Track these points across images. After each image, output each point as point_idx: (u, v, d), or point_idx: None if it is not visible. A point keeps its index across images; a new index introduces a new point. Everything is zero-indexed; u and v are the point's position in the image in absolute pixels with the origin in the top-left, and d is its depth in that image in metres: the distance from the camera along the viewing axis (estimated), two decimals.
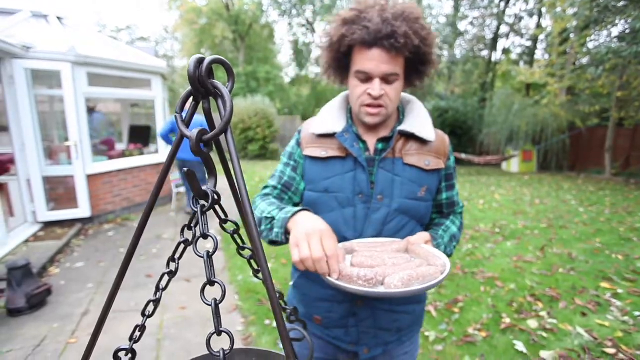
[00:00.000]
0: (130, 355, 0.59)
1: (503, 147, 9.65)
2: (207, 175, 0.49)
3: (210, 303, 0.42)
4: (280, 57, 21.99)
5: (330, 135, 0.92)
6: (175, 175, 5.21)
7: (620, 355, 2.03)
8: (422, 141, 0.91)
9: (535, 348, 2.09)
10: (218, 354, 0.42)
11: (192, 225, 0.48)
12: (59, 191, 4.45)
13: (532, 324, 2.32)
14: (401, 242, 0.83)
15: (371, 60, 0.80)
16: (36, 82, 4.17)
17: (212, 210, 0.46)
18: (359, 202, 0.88)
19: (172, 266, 0.52)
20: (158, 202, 5.44)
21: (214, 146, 0.46)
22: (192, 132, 0.42)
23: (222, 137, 0.43)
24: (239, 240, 0.55)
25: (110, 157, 4.98)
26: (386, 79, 0.82)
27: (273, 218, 0.83)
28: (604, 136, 8.39)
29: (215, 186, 0.47)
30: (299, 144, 0.98)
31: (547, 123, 8.95)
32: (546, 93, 9.25)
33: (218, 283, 0.43)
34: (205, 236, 0.44)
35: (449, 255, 0.89)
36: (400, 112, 0.96)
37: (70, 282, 3.06)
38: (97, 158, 4.72)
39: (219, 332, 0.42)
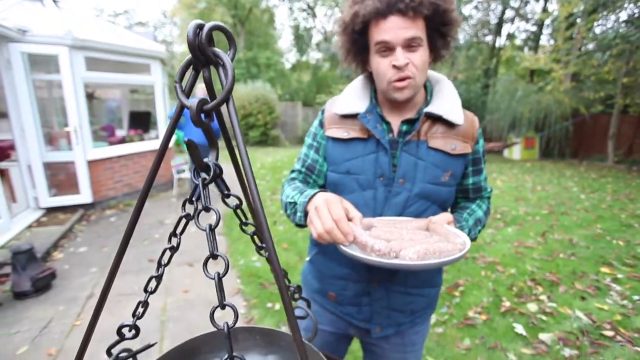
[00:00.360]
0: (134, 331, 0.59)
1: (505, 134, 9.58)
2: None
3: (213, 277, 0.42)
4: (280, 43, 21.65)
5: (353, 116, 0.89)
6: (175, 161, 5.20)
7: (619, 338, 2.05)
8: (449, 124, 0.86)
9: (534, 330, 2.12)
10: (222, 328, 0.41)
11: (193, 198, 0.47)
12: (60, 177, 4.44)
13: (532, 307, 2.35)
14: (422, 220, 0.82)
15: (389, 28, 0.76)
16: (34, 67, 4.12)
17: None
18: (379, 185, 0.86)
19: (174, 241, 0.52)
20: (159, 188, 5.45)
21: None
22: (192, 102, 0.41)
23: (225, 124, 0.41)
24: (241, 216, 0.54)
25: (111, 143, 4.96)
26: (409, 46, 0.77)
27: (295, 203, 0.84)
28: (608, 123, 8.30)
29: (217, 159, 0.46)
30: (322, 124, 0.96)
31: (550, 110, 8.84)
32: (550, 79, 9.10)
33: (221, 257, 0.43)
34: (207, 209, 0.44)
35: (473, 239, 0.87)
36: (428, 92, 0.91)
37: (74, 266, 3.09)
38: (97, 144, 4.71)
39: (222, 306, 0.42)
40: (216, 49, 0.42)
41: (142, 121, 5.84)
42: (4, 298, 2.60)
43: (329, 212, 0.70)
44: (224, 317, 0.38)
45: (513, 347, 1.99)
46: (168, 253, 0.52)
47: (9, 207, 3.69)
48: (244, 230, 0.57)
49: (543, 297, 2.47)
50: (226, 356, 0.41)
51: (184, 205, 0.49)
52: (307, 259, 1.07)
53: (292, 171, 1.00)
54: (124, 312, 2.37)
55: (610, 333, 2.09)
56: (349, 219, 0.73)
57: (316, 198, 0.78)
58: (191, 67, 0.43)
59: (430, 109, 0.85)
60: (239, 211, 0.53)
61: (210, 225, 0.42)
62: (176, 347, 0.67)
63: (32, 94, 3.99)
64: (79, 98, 4.26)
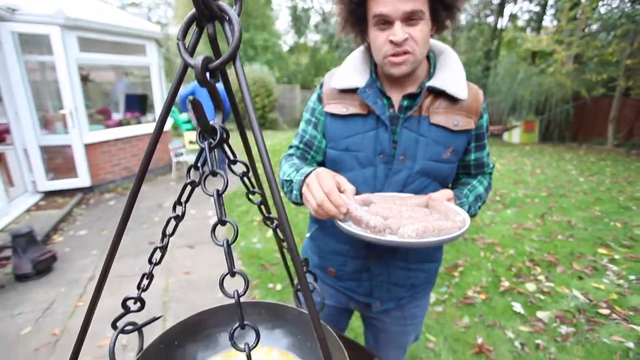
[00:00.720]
0: (139, 304, 0.58)
1: (505, 117, 9.51)
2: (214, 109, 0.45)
3: (222, 244, 0.40)
4: (278, 24, 21.14)
5: (353, 90, 0.85)
6: (173, 144, 5.15)
7: (614, 316, 2.09)
8: (452, 99, 0.82)
9: (532, 309, 2.15)
10: (232, 296, 0.40)
11: (198, 164, 0.45)
12: (57, 161, 4.40)
13: (530, 287, 2.38)
14: (422, 197, 0.81)
15: (388, 1, 0.72)
16: (25, 48, 4.00)
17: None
18: (379, 162, 0.84)
19: (179, 209, 0.50)
20: (158, 172, 5.42)
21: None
22: (197, 60, 0.38)
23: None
24: (248, 184, 0.52)
25: (107, 127, 4.89)
26: (408, 20, 0.73)
27: (292, 181, 0.83)
28: (609, 106, 8.23)
29: (223, 122, 0.44)
30: (320, 99, 0.92)
31: (551, 92, 8.75)
32: (552, 61, 8.97)
33: (229, 222, 0.41)
34: (214, 173, 0.42)
35: (473, 215, 0.86)
36: (431, 64, 0.85)
37: (74, 249, 3.09)
38: (93, 127, 4.64)
39: (232, 274, 0.40)
40: (221, 3, 0.39)
41: (138, 104, 5.74)
42: (5, 280, 2.61)
43: (320, 186, 0.69)
44: (234, 284, 0.37)
45: (511, 324, 2.02)
46: (173, 222, 0.51)
47: (7, 191, 3.67)
48: (250, 200, 0.56)
49: (541, 277, 2.50)
50: (237, 325, 0.40)
51: (188, 172, 0.48)
52: (307, 235, 1.06)
53: (290, 147, 0.98)
54: (125, 292, 2.37)
55: (606, 311, 2.13)
56: (341, 192, 0.72)
57: (310, 177, 0.76)
58: (194, 23, 0.41)
59: (432, 82, 0.81)
60: (245, 179, 0.51)
61: (217, 191, 0.40)
62: (182, 321, 0.67)
63: (25, 76, 3.90)
64: (74, 80, 4.17)
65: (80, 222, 3.69)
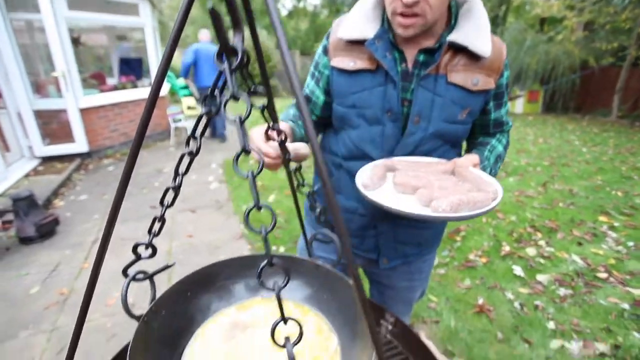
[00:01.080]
0: (150, 250, 0.56)
1: (510, 87, 9.30)
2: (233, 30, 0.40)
3: (246, 175, 0.37)
4: None
5: (361, 42, 0.77)
6: (171, 110, 5.03)
7: (611, 279, 2.14)
8: (474, 55, 0.74)
9: (532, 272, 2.19)
10: (259, 231, 0.37)
11: (215, 93, 0.40)
12: (53, 126, 4.30)
13: (531, 251, 2.41)
14: (447, 163, 0.78)
15: None
16: (10, 5, 3.77)
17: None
18: (387, 121, 0.79)
19: (192, 144, 0.46)
20: (156, 137, 5.33)
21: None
22: None
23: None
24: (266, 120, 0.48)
25: (102, 91, 4.74)
26: None
27: None
28: (616, 76, 8.02)
29: (242, 42, 0.39)
30: (326, 50, 0.85)
31: (558, 61, 8.49)
32: (562, 28, 8.62)
33: (252, 150, 0.37)
34: (236, 98, 0.37)
35: (494, 176, 0.83)
36: (452, 14, 0.77)
37: (76, 213, 3.09)
38: (88, 91, 4.50)
39: (258, 207, 0.37)
40: None
41: (133, 68, 5.54)
42: (10, 243, 2.62)
43: (252, 140, 0.65)
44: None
45: (511, 286, 2.06)
46: (187, 159, 0.47)
47: (3, 156, 3.60)
48: (269, 138, 0.52)
49: (542, 243, 2.53)
50: (265, 262, 0.37)
51: (204, 101, 0.43)
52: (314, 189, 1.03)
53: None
54: (128, 255, 2.41)
55: (603, 275, 2.17)
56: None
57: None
58: None
59: (454, 37, 0.73)
60: (266, 114, 0.47)
61: (240, 117, 0.36)
62: (194, 272, 0.65)
63: (12, 35, 3.71)
64: (64, 40, 3.97)
65: (80, 188, 3.67)
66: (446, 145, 0.83)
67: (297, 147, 0.66)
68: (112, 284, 2.03)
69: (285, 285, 0.35)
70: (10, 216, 2.73)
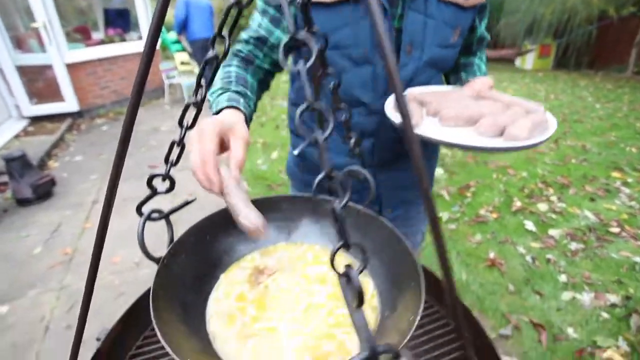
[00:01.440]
0: (168, 183, 0.47)
1: (520, 41, 8.81)
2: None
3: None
4: None
5: None
6: (164, 66, 4.76)
7: (624, 234, 2.10)
8: None
9: (544, 227, 2.15)
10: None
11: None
12: (38, 84, 4.07)
13: (542, 207, 2.36)
14: (467, 88, 0.69)
15: None
16: None
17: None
18: (378, 59, 0.66)
19: (203, 82, 0.36)
20: (150, 95, 5.10)
21: None
22: None
23: None
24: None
25: (88, 45, 4.44)
26: None
27: (211, 104, 0.63)
28: (636, 28, 7.56)
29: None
30: None
31: (575, 11, 7.95)
32: None
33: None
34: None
35: None
36: None
37: (72, 174, 3.00)
38: (73, 45, 4.20)
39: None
40: None
41: (120, 19, 5.15)
42: (7, 205, 2.55)
43: (198, 147, 0.48)
44: None
45: (523, 241, 2.03)
46: (202, 88, 0.40)
47: None
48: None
49: (553, 198, 2.47)
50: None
51: (212, 43, 0.38)
52: (295, 152, 0.88)
53: (238, 41, 0.74)
54: (131, 214, 2.35)
55: (616, 230, 2.14)
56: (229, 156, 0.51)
57: (200, 123, 0.51)
58: None
59: None
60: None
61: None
62: (206, 217, 0.59)
63: None
64: None
65: (74, 148, 3.54)
66: (439, 75, 0.76)
67: (234, 204, 0.51)
68: (116, 243, 1.98)
69: (347, 203, 0.25)
70: (4, 178, 2.64)
